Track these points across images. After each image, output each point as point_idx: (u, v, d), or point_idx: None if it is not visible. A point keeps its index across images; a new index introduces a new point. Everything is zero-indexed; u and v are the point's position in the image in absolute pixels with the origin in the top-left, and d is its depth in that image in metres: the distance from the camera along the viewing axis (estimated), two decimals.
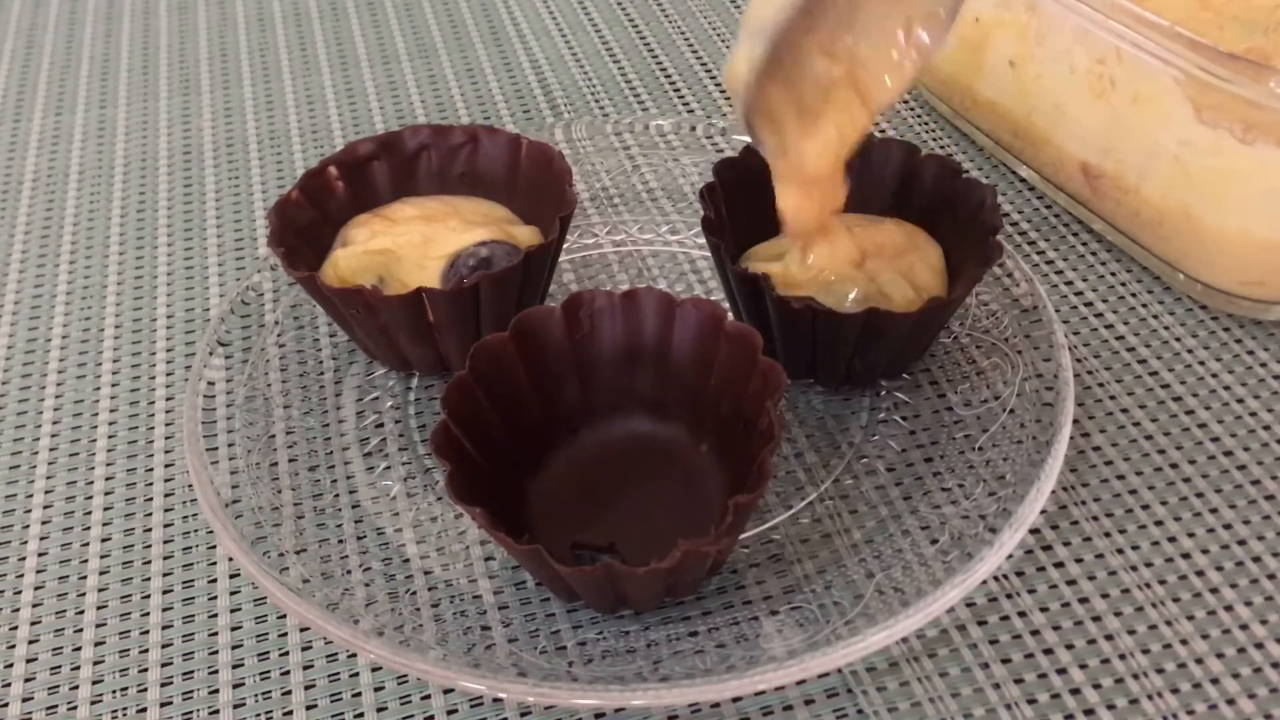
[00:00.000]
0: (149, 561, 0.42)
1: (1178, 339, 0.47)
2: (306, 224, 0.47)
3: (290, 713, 0.37)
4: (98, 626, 0.40)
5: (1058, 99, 0.51)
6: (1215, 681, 0.36)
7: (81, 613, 0.40)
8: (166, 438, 0.46)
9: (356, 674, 0.38)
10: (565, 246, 0.50)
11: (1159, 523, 0.41)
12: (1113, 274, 0.50)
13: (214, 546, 0.42)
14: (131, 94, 0.66)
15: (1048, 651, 0.37)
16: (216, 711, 0.37)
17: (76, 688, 0.38)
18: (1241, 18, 0.46)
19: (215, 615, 0.40)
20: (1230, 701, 0.36)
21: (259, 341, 0.47)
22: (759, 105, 0.38)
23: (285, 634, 0.39)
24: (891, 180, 0.47)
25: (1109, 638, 0.37)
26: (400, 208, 0.48)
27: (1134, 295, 0.49)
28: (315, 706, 0.37)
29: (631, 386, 0.42)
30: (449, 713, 0.37)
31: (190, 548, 0.42)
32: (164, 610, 0.40)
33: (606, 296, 0.41)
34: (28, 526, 0.43)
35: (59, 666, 0.39)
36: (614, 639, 0.38)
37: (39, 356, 0.50)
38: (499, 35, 0.69)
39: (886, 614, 0.36)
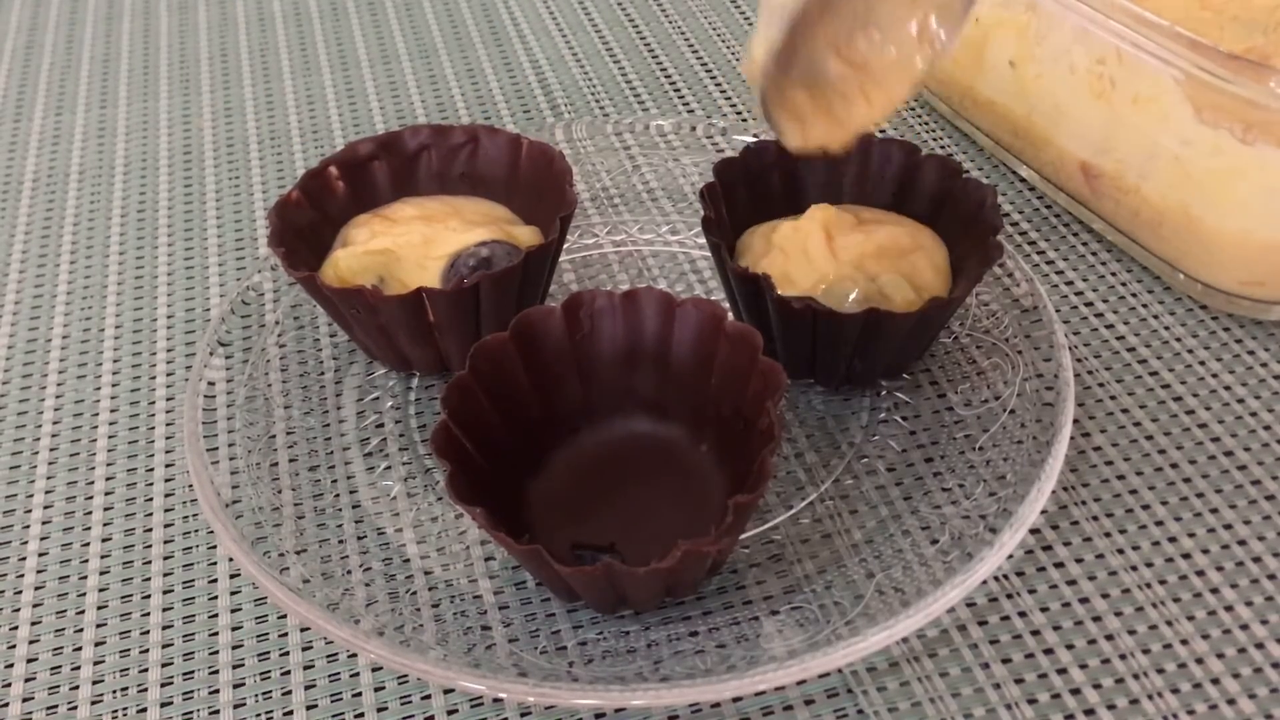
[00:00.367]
0: (149, 561, 0.42)
1: (1178, 339, 0.47)
2: (306, 224, 0.47)
3: (290, 713, 0.37)
4: (98, 626, 0.40)
5: (1057, 99, 0.51)
6: (1216, 681, 0.36)
7: (81, 613, 0.40)
8: (167, 438, 0.46)
9: (357, 674, 0.38)
10: (565, 246, 0.50)
11: (1159, 523, 0.41)
12: (1113, 274, 0.50)
13: (214, 546, 0.42)
14: (131, 94, 0.66)
15: (1048, 651, 0.37)
16: (216, 711, 0.37)
17: (76, 688, 0.38)
18: (1241, 18, 0.46)
19: (215, 615, 0.40)
20: (1230, 701, 0.36)
21: (259, 341, 0.47)
22: (775, 93, 0.38)
23: (285, 634, 0.39)
24: (891, 180, 0.47)
25: (1109, 638, 0.37)
26: (400, 208, 0.48)
27: (1134, 295, 0.49)
28: (315, 706, 0.37)
29: (631, 387, 0.42)
30: (449, 713, 0.37)
31: (190, 548, 0.42)
32: (164, 610, 0.40)
33: (607, 296, 0.41)
34: (28, 526, 0.43)
35: (59, 666, 0.39)
36: (614, 639, 0.38)
37: (39, 356, 0.50)
38: (499, 35, 0.69)
39: (886, 614, 0.36)
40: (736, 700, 0.36)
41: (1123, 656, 0.37)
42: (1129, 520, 0.41)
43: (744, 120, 0.60)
